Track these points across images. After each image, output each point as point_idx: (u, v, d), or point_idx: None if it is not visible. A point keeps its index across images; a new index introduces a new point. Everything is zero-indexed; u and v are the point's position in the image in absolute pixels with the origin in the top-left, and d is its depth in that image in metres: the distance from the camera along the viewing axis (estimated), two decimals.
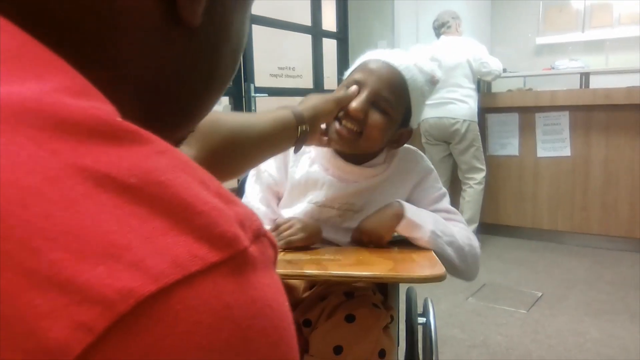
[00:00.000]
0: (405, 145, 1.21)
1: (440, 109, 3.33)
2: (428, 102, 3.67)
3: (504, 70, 3.59)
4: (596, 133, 3.40)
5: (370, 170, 1.15)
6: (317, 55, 3.98)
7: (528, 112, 3.57)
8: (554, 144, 3.53)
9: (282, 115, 0.90)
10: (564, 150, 3.50)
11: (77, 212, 0.17)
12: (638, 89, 3.21)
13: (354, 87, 1.05)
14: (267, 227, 1.17)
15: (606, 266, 3.11)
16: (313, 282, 1.18)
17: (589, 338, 2.18)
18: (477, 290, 2.76)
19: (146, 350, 0.17)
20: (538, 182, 3.65)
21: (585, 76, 4.77)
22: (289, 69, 4.37)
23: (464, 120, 3.31)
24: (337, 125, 1.05)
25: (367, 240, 1.11)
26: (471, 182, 3.46)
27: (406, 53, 1.15)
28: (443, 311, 2.44)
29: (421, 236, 1.07)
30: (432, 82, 1.16)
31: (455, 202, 3.55)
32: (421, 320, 1.26)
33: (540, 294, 2.68)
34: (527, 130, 3.61)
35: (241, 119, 0.88)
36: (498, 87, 4.31)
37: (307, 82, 4.08)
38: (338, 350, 1.00)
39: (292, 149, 1.01)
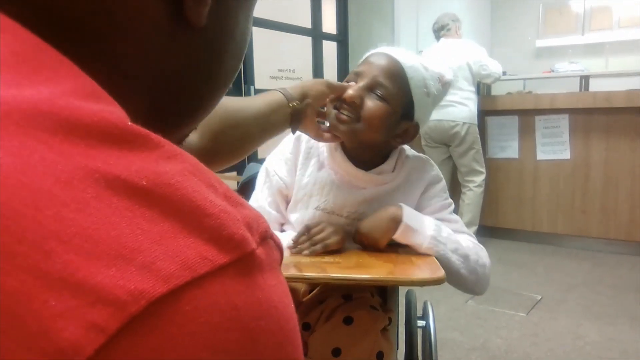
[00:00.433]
0: (417, 154, 1.20)
1: (440, 111, 3.33)
2: None
3: (504, 73, 3.60)
4: (596, 136, 3.40)
5: (379, 177, 1.12)
6: (317, 57, 3.99)
7: (528, 115, 3.57)
8: (554, 146, 3.53)
9: (272, 95, 0.93)
10: (564, 153, 3.50)
11: (88, 214, 0.18)
12: (638, 92, 3.22)
13: (350, 80, 1.06)
14: (276, 231, 1.17)
15: (606, 269, 3.11)
16: (312, 285, 1.18)
17: (588, 341, 2.18)
18: None
19: (156, 350, 0.17)
20: (538, 185, 3.65)
21: (585, 79, 4.78)
22: (289, 71, 4.37)
23: (464, 123, 3.31)
24: (335, 112, 1.05)
25: (365, 242, 1.09)
26: (471, 185, 3.46)
27: (411, 52, 1.14)
28: (442, 314, 2.43)
29: (420, 242, 1.03)
30: (441, 82, 1.14)
31: (455, 204, 3.54)
32: (421, 323, 1.26)
33: (539, 297, 2.68)
34: (526, 133, 3.61)
35: (234, 100, 0.90)
36: (498, 89, 4.32)
37: None
38: (336, 352, 0.99)
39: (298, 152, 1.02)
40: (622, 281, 2.89)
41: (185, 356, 0.18)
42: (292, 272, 1.02)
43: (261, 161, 1.24)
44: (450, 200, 1.18)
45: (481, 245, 1.12)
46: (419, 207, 1.14)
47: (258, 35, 3.48)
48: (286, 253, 1.09)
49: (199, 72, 0.32)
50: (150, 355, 0.17)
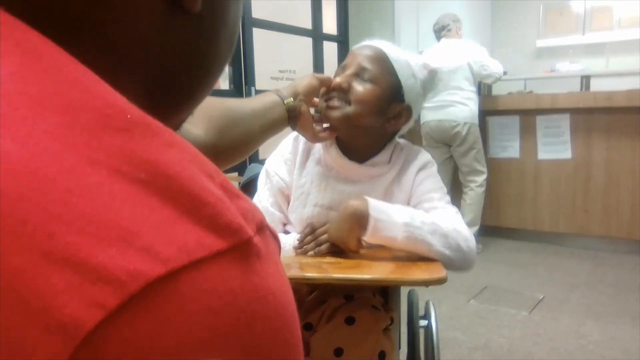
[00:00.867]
0: (411, 145, 1.20)
1: (441, 111, 3.33)
2: (428, 104, 3.68)
3: (505, 73, 3.60)
4: (597, 135, 3.40)
5: (374, 169, 1.13)
6: (318, 58, 3.99)
7: (529, 115, 3.57)
8: (555, 146, 3.53)
9: (267, 95, 0.98)
10: (565, 153, 3.50)
11: (91, 199, 0.18)
12: (638, 92, 3.21)
13: (338, 74, 1.09)
14: (280, 233, 1.17)
15: (608, 268, 3.10)
16: (314, 286, 1.18)
17: (590, 340, 2.18)
18: (478, 293, 2.75)
19: (154, 328, 0.18)
20: (539, 185, 3.65)
21: (585, 79, 4.78)
22: (290, 72, 4.37)
23: (465, 123, 3.31)
24: (326, 103, 1.08)
25: (339, 247, 1.04)
26: (472, 185, 3.46)
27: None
28: (444, 314, 2.43)
29: (395, 235, 0.97)
30: (426, 68, 1.15)
31: (456, 204, 3.54)
32: (423, 322, 1.26)
33: (541, 297, 2.68)
34: (527, 133, 3.61)
35: (232, 100, 0.94)
36: (499, 89, 4.32)
37: None
38: (338, 352, 1.00)
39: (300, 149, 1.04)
40: (624, 280, 2.89)
41: (182, 335, 0.18)
42: (294, 272, 1.02)
43: (262, 162, 1.25)
44: (442, 184, 1.15)
45: (462, 222, 1.08)
46: (411, 192, 1.13)
47: (258, 36, 3.48)
48: (291, 253, 1.09)
49: (195, 57, 0.33)
50: (148, 332, 0.18)
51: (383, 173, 1.13)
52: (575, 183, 3.51)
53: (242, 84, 3.37)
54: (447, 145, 3.45)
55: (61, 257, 0.17)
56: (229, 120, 0.87)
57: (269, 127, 0.96)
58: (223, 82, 4.06)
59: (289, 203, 1.18)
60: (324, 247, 1.04)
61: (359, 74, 1.07)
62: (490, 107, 3.63)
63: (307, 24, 3.95)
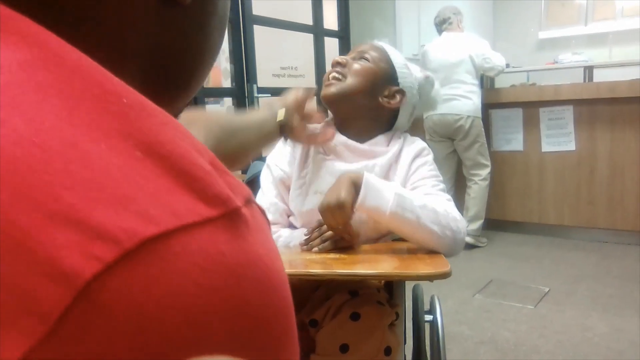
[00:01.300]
0: (409, 135, 1.24)
1: (444, 105, 3.32)
2: None
3: (507, 66, 3.58)
4: (601, 127, 3.38)
5: (372, 150, 1.18)
6: (319, 54, 3.98)
7: (532, 107, 3.56)
8: (559, 138, 3.52)
9: (259, 112, 1.06)
10: (569, 145, 3.49)
11: (91, 168, 0.21)
12: None
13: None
14: (286, 228, 1.19)
15: (613, 260, 3.10)
16: (318, 282, 1.18)
17: (597, 333, 2.17)
18: (484, 287, 2.75)
19: (148, 281, 0.20)
20: (543, 177, 3.64)
21: (588, 70, 4.75)
22: (291, 68, 4.37)
23: (468, 117, 3.30)
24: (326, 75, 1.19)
25: (330, 216, 1.01)
26: (476, 179, 3.45)
27: None
28: (450, 308, 2.43)
29: (385, 203, 0.98)
30: (423, 73, 1.27)
31: (460, 198, 3.55)
32: (428, 317, 1.26)
33: (547, 290, 2.67)
34: (531, 126, 3.60)
35: (228, 114, 1.03)
36: (501, 82, 4.30)
37: (310, 82, 4.08)
38: (344, 348, 1.00)
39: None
40: (630, 272, 2.88)
41: (173, 288, 0.20)
42: (299, 268, 1.02)
43: (264, 159, 1.28)
44: (437, 172, 1.17)
45: (454, 208, 1.07)
46: (406, 179, 1.15)
47: (260, 33, 3.47)
48: (298, 249, 1.11)
49: (188, 46, 0.35)
50: (142, 285, 0.19)
51: (380, 154, 1.17)
52: (580, 175, 3.50)
53: (244, 82, 3.37)
54: (451, 139, 3.44)
55: (64, 217, 0.19)
56: (227, 131, 0.94)
57: (264, 139, 1.05)
58: (225, 80, 4.06)
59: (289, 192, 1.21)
60: (327, 243, 1.05)
61: (357, 58, 1.19)
62: (493, 100, 3.61)
63: (308, 20, 3.94)
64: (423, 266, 0.99)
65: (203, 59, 0.36)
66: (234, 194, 0.24)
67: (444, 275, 0.89)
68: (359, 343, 1.00)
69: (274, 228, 1.20)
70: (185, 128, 0.25)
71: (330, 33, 4.14)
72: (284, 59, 4.21)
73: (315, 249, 1.05)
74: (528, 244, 3.51)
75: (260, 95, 3.40)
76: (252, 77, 3.38)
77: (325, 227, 1.07)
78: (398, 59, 1.22)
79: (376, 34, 4.07)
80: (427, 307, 1.30)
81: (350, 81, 1.15)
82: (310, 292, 1.18)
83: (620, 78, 3.45)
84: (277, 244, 1.15)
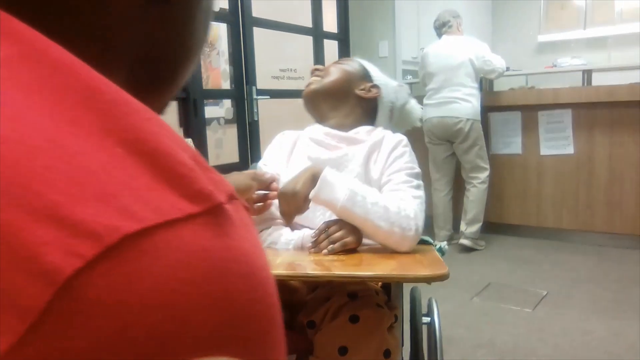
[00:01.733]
0: (391, 132, 1.29)
1: (443, 108, 3.33)
2: (431, 101, 3.74)
3: (507, 69, 3.58)
4: (599, 130, 3.39)
5: (353, 137, 1.25)
6: (319, 56, 3.99)
7: (531, 111, 3.56)
8: (557, 142, 3.52)
9: None
10: (568, 148, 3.49)
11: (73, 165, 0.21)
12: None
13: (272, 173, 1.18)
14: (286, 228, 1.19)
15: (611, 264, 3.10)
16: (316, 284, 1.18)
17: (595, 336, 2.17)
18: (482, 290, 2.75)
19: (129, 277, 0.20)
20: (542, 181, 3.64)
21: (587, 73, 4.76)
22: (291, 70, 4.37)
23: (467, 119, 3.30)
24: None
25: (283, 202, 1.09)
26: (475, 182, 3.45)
27: None
28: (448, 311, 2.43)
29: (337, 197, 1.05)
30: (398, 84, 1.41)
31: (459, 201, 3.55)
32: (426, 320, 1.26)
33: (545, 293, 2.67)
34: (530, 129, 3.61)
35: None
36: (500, 85, 4.31)
37: None
38: (343, 351, 1.00)
39: None
40: (628, 275, 2.88)
41: (156, 284, 0.20)
42: (296, 270, 1.02)
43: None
44: (413, 164, 1.20)
45: (416, 206, 1.11)
46: (383, 170, 1.19)
47: (259, 35, 3.48)
48: (299, 250, 1.12)
49: (173, 41, 0.35)
50: (123, 281, 0.19)
51: (361, 142, 1.23)
52: (578, 178, 3.50)
53: (244, 84, 3.37)
54: (450, 142, 3.45)
55: (45, 213, 0.19)
56: None
57: None
58: (224, 82, 4.07)
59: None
60: (337, 245, 1.05)
61: (333, 64, 1.35)
62: (492, 103, 3.62)
63: (308, 22, 3.94)
64: (421, 268, 0.99)
65: (189, 53, 0.36)
66: (217, 190, 0.24)
67: (442, 278, 0.89)
68: (358, 345, 1.00)
69: (274, 225, 1.20)
70: (167, 124, 0.25)
71: (330, 35, 4.14)
72: (283, 61, 4.21)
73: (325, 251, 1.05)
74: (526, 247, 3.52)
75: (259, 97, 3.41)
76: (251, 79, 3.39)
77: (332, 229, 1.07)
78: (372, 67, 1.37)
79: (376, 36, 4.07)
80: (424, 309, 1.30)
81: (327, 78, 1.30)
82: (309, 293, 1.18)
83: (619, 82, 3.46)
84: (278, 243, 1.15)
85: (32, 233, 0.19)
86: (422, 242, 1.12)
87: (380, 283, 1.23)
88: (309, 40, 3.96)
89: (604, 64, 5.38)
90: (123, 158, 0.22)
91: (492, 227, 3.72)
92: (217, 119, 3.68)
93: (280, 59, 4.19)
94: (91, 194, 0.20)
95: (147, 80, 0.34)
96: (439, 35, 3.48)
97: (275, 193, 1.14)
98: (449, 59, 3.32)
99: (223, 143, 3.65)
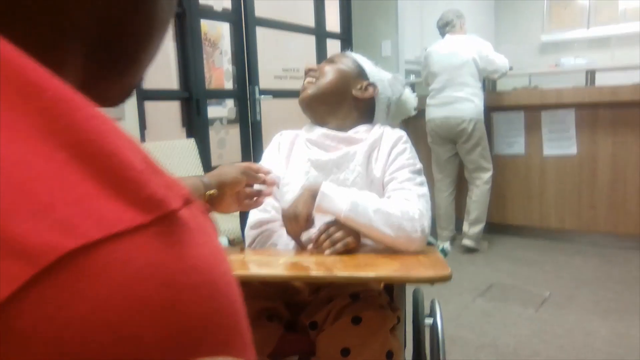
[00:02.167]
0: (390, 127, 1.30)
1: (447, 108, 3.32)
2: (434, 101, 3.74)
3: (511, 68, 3.57)
4: (603, 130, 3.38)
5: (352, 137, 1.24)
6: (321, 56, 3.98)
7: (534, 111, 3.55)
8: (561, 142, 3.51)
9: (192, 182, 1.00)
10: (571, 149, 3.48)
11: (9, 175, 0.19)
12: None
13: (268, 169, 1.17)
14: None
15: (615, 265, 3.09)
16: (318, 285, 1.18)
17: (598, 337, 2.17)
18: (484, 291, 2.75)
19: (68, 300, 0.18)
20: (545, 181, 3.63)
21: (590, 73, 4.74)
22: (294, 70, 4.37)
23: (471, 120, 3.29)
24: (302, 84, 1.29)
25: (287, 223, 1.11)
26: (478, 182, 3.44)
27: None
28: (451, 312, 2.43)
29: (340, 208, 1.06)
30: (393, 75, 1.37)
31: (462, 201, 3.54)
32: (428, 321, 1.26)
33: (548, 294, 2.67)
34: (533, 129, 3.60)
35: None
36: (503, 85, 4.29)
37: None
38: (345, 352, 0.99)
39: None
40: (631, 277, 2.87)
41: (100, 305, 0.18)
42: (298, 271, 1.02)
43: None
44: (415, 160, 1.21)
45: (420, 205, 1.11)
46: (385, 168, 1.19)
47: (262, 35, 3.47)
48: (299, 251, 1.12)
49: (138, 19, 0.33)
50: (62, 304, 0.18)
51: (360, 141, 1.23)
52: (581, 179, 3.49)
53: (246, 83, 3.37)
54: (453, 142, 3.44)
55: None
56: None
57: None
58: (227, 82, 4.06)
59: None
60: (339, 245, 1.05)
61: (326, 64, 1.32)
62: (495, 103, 3.61)
63: (310, 22, 3.94)
64: (424, 269, 0.99)
65: (152, 31, 0.34)
66: (170, 195, 0.22)
67: (445, 279, 0.89)
68: (361, 347, 1.00)
69: (274, 226, 1.20)
70: (114, 122, 0.23)
71: (333, 35, 4.14)
72: (286, 61, 4.21)
73: (327, 251, 1.05)
74: (529, 248, 3.51)
75: (262, 96, 3.40)
76: (254, 79, 3.38)
77: (332, 229, 1.07)
78: (365, 62, 1.34)
79: (379, 35, 4.07)
80: (427, 311, 1.30)
81: (323, 80, 1.27)
82: (311, 294, 1.18)
83: (623, 82, 3.44)
84: (278, 244, 1.15)
85: None
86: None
87: (382, 284, 1.22)
88: (311, 40, 3.96)
89: (608, 63, 5.36)
90: (64, 164, 0.20)
91: (495, 227, 3.71)
92: (220, 118, 3.68)
93: (283, 58, 4.19)
94: (27, 206, 0.18)
95: (107, 60, 0.32)
96: (442, 34, 3.48)
97: (269, 190, 1.15)
98: (452, 59, 3.31)
99: (226, 143, 3.66)
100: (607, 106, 3.32)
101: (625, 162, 3.32)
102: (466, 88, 3.30)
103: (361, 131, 1.25)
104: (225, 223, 2.52)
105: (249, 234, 1.21)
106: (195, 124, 3.07)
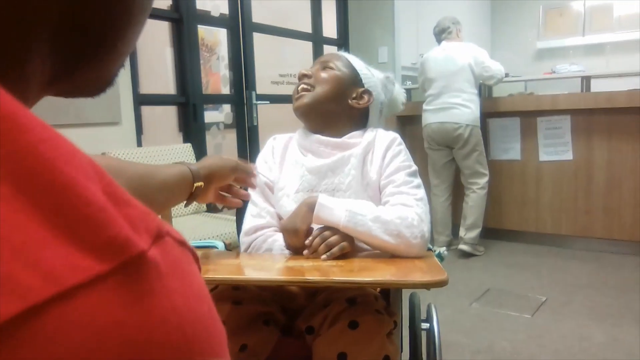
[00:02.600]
0: (383, 129, 1.30)
1: (443, 114, 3.33)
2: (430, 107, 3.75)
3: (506, 75, 3.59)
4: (598, 137, 3.40)
5: (346, 142, 1.23)
6: None
7: (529, 117, 3.57)
8: (556, 148, 3.53)
9: (181, 170, 0.94)
10: (566, 154, 3.50)
11: None
12: (639, 92, 3.21)
13: (254, 170, 1.12)
14: (270, 222, 1.19)
15: (610, 270, 3.10)
16: (315, 289, 1.18)
17: (593, 342, 2.17)
18: (481, 296, 2.75)
19: None
20: (541, 187, 3.64)
21: (586, 80, 4.77)
22: (290, 76, 4.38)
23: (467, 125, 3.31)
24: (295, 89, 1.26)
25: (287, 237, 1.12)
26: (474, 187, 3.45)
27: None
28: (447, 317, 2.43)
29: (338, 218, 1.07)
30: (385, 75, 1.36)
31: (458, 207, 3.55)
32: (425, 325, 1.26)
33: (544, 299, 2.67)
34: (528, 135, 3.61)
35: (142, 168, 0.90)
36: (499, 91, 4.32)
37: None
38: (342, 357, 0.99)
39: None
40: (627, 282, 2.88)
41: None
42: (294, 275, 1.02)
43: None
44: (409, 162, 1.21)
45: (421, 207, 1.11)
46: (380, 172, 1.19)
47: (259, 41, 3.49)
48: (294, 256, 1.11)
49: (116, 6, 0.30)
50: None
51: (354, 145, 1.22)
52: (577, 184, 3.50)
53: (243, 89, 3.38)
54: (449, 147, 3.45)
55: None
56: (134, 189, 0.82)
57: (172, 200, 0.96)
58: (224, 87, 4.07)
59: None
60: (335, 249, 1.05)
61: (321, 68, 1.27)
62: (491, 109, 3.63)
63: (307, 27, 3.96)
64: (420, 274, 0.99)
65: (132, 19, 0.32)
66: (136, 233, 0.19)
67: (441, 284, 0.89)
68: (357, 352, 0.99)
69: (269, 232, 1.20)
70: (71, 144, 0.20)
71: (329, 41, 4.15)
72: (283, 67, 4.22)
73: (324, 256, 1.05)
74: (525, 253, 3.51)
75: (259, 102, 3.41)
76: (251, 84, 3.39)
77: (326, 233, 1.07)
78: (359, 64, 1.32)
79: (375, 41, 4.09)
80: (424, 315, 1.30)
81: (319, 89, 1.24)
82: (307, 298, 1.18)
83: (618, 88, 3.47)
84: (273, 249, 1.15)
85: None
86: None
87: (379, 289, 1.23)
88: (308, 45, 3.97)
89: (603, 70, 5.40)
90: (7, 201, 0.17)
91: (491, 232, 3.72)
92: (217, 123, 3.68)
93: (279, 64, 4.20)
94: None
95: (79, 49, 0.29)
96: (439, 41, 3.50)
97: (246, 193, 1.13)
98: (449, 65, 3.33)
99: (222, 148, 3.66)
100: (602, 112, 3.34)
101: (621, 168, 3.34)
102: (462, 94, 3.31)
103: (355, 135, 1.26)
104: (222, 227, 2.52)
105: (244, 240, 1.21)
106: (192, 129, 3.07)
